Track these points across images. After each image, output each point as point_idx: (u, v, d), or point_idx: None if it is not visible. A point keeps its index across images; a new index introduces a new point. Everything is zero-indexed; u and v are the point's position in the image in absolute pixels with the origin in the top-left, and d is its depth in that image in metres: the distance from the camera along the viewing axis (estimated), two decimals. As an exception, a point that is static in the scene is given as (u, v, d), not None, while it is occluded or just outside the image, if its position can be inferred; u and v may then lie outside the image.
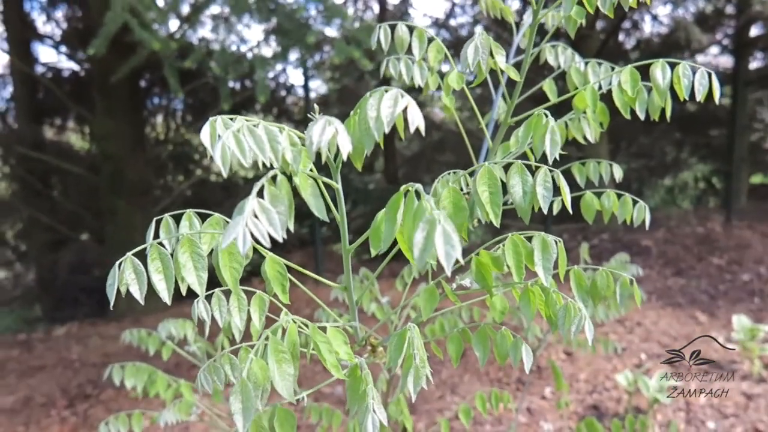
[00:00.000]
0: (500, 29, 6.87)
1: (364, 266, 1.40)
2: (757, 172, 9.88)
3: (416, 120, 0.47)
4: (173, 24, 4.43)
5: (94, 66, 4.96)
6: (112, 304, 0.54)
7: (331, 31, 4.62)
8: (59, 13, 6.97)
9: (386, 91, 0.49)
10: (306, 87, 5.52)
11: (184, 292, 0.56)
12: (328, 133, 0.45)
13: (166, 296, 0.53)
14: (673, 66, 0.75)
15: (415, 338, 0.54)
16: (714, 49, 8.49)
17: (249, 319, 0.66)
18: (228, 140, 0.45)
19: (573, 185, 0.76)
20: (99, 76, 4.95)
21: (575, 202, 0.84)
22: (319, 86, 8.92)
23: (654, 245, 6.05)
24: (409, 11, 8.90)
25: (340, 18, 4.36)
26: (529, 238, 0.61)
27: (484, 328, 0.67)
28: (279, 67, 6.58)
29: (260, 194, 0.43)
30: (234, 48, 4.17)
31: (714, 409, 3.15)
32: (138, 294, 0.54)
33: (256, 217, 0.39)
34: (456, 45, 8.27)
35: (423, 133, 0.48)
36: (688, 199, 9.97)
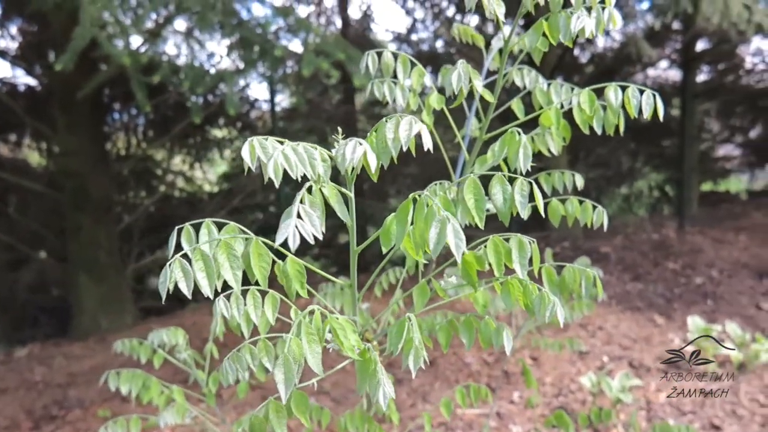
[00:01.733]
0: (465, 48, 7.05)
1: (342, 277, 1.46)
2: (707, 180, 10.33)
3: (428, 142, 0.56)
4: (137, 39, 4.42)
5: (55, 81, 4.89)
6: (163, 299, 0.60)
7: (296, 46, 4.69)
8: (14, 28, 6.83)
9: (401, 117, 0.58)
10: (272, 101, 5.56)
11: (220, 287, 0.62)
12: (359, 151, 0.54)
13: (208, 291, 0.60)
14: (624, 88, 0.85)
15: (414, 325, 0.61)
16: (664, 63, 8.89)
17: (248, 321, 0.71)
18: (278, 158, 0.53)
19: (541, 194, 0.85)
20: (61, 92, 4.88)
21: (543, 207, 0.93)
22: (282, 100, 8.95)
23: (613, 252, 6.28)
24: (371, 26, 9.04)
25: (307, 31, 4.43)
26: (507, 239, 0.70)
27: (470, 318, 0.75)
28: (242, 81, 6.60)
29: (301, 201, 0.50)
30: (201, 63, 4.19)
31: (673, 407, 3.30)
32: (186, 291, 0.60)
33: (300, 218, 0.46)
34: (417, 59, 8.42)
35: (432, 151, 0.56)
36: (644, 207, 10.35)
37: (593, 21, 0.84)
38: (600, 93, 0.86)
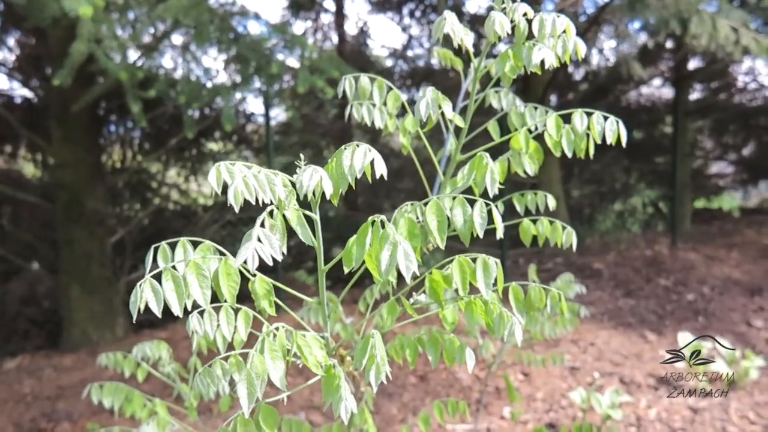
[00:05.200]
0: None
1: (328, 291, 1.48)
2: (701, 197, 10.40)
3: (381, 169, 0.59)
4: (134, 53, 4.46)
5: (52, 94, 4.93)
6: (134, 319, 0.61)
7: (293, 61, 4.73)
8: (11, 40, 6.88)
9: (358, 146, 0.61)
10: (267, 115, 5.59)
11: (189, 306, 0.65)
12: (315, 179, 0.57)
13: (178, 310, 0.62)
14: (589, 114, 0.88)
15: (377, 342, 0.64)
16: (657, 81, 9.00)
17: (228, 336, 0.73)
18: (239, 184, 0.56)
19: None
20: (57, 105, 4.91)
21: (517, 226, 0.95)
22: (278, 114, 9.01)
23: (605, 268, 6.30)
24: (367, 42, 9.13)
25: (302, 48, 4.48)
26: (474, 259, 0.72)
27: (435, 335, 0.77)
28: (239, 95, 6.65)
29: (262, 225, 0.53)
30: (198, 77, 4.23)
31: (663, 424, 3.30)
32: (156, 310, 0.63)
33: (260, 242, 0.49)
34: (413, 75, 8.51)
35: (386, 178, 0.58)
36: (638, 223, 10.39)
37: (552, 53, 0.88)
38: (569, 118, 0.89)
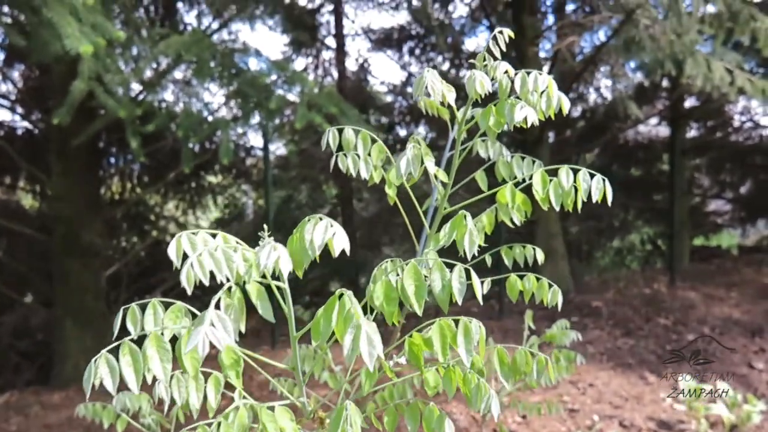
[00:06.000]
0: (458, 103, 7.22)
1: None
2: (699, 235, 10.38)
3: (341, 245, 0.58)
4: (135, 87, 4.51)
5: (52, 128, 4.96)
6: (87, 396, 0.59)
7: (293, 97, 4.77)
8: (16, 73, 6.96)
9: (321, 218, 0.59)
10: (266, 150, 5.61)
11: (149, 380, 0.62)
12: (273, 256, 0.56)
13: (134, 387, 0.59)
14: (575, 171, 0.88)
15: (350, 415, 0.61)
16: (653, 119, 9.08)
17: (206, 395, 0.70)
18: (194, 264, 0.54)
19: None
20: (57, 139, 4.94)
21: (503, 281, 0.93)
22: (278, 148, 9.07)
23: (604, 306, 6.25)
24: (367, 78, 9.25)
25: (302, 84, 4.53)
26: (457, 321, 0.70)
27: (416, 404, 0.74)
28: (240, 129, 6.70)
29: (218, 305, 0.51)
30: (197, 111, 4.26)
31: (663, 470, 3.22)
32: (111, 387, 0.59)
33: (213, 325, 0.47)
34: (411, 111, 8.59)
35: (348, 253, 0.56)
36: (637, 260, 10.35)
37: (533, 110, 0.87)
38: (556, 172, 0.88)
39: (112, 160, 7.52)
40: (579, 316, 5.96)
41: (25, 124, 6.91)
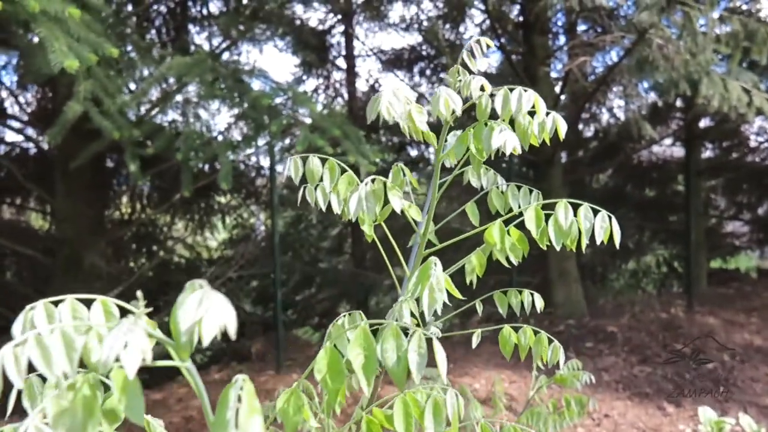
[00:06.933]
0: (468, 121, 7.17)
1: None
2: (716, 257, 10.12)
3: (212, 328, 0.44)
4: (139, 108, 4.47)
5: (55, 148, 4.94)
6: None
7: (302, 116, 4.71)
8: (29, 95, 7.00)
9: (201, 286, 0.47)
10: (272, 171, 5.55)
11: None
12: (118, 346, 0.42)
13: None
14: (576, 207, 0.76)
15: None
16: (668, 140, 8.92)
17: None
18: (5, 358, 0.42)
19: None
20: (60, 159, 4.91)
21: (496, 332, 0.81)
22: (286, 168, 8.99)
23: (619, 331, 6.05)
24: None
25: (308, 108, 4.47)
26: (428, 396, 0.58)
27: None
28: (249, 150, 6.66)
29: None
30: (197, 133, 4.21)
31: None
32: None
33: None
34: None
35: (219, 338, 0.45)
36: (652, 283, 10.10)
37: (514, 137, 0.75)
38: (553, 206, 0.77)
39: (122, 180, 7.49)
40: (593, 342, 5.78)
41: (38, 145, 6.92)
